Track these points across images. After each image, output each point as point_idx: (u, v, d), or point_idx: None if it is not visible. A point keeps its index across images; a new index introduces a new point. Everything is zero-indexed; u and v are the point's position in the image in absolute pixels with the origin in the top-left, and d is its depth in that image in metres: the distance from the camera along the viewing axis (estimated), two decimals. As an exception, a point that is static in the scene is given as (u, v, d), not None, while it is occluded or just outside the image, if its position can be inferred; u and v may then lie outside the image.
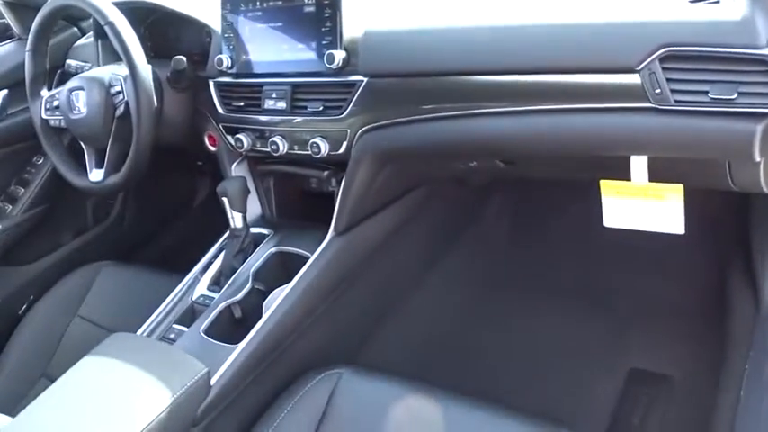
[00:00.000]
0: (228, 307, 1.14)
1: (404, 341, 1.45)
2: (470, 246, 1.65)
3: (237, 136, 1.23)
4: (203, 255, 1.30)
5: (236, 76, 1.22)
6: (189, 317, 1.18)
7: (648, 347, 1.40)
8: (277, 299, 1.11)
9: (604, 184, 0.97)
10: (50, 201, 1.61)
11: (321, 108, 1.11)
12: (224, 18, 1.19)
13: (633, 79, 0.82)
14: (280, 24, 1.13)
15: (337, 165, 1.20)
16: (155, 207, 1.88)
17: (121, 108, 1.22)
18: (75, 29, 1.59)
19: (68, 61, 1.49)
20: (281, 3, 1.12)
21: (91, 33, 1.53)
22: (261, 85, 1.18)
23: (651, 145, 0.87)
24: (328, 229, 1.20)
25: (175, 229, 1.95)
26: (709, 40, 0.77)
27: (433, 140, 1.03)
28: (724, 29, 0.77)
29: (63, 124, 1.30)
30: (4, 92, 1.47)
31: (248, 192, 1.24)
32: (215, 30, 1.25)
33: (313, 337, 1.18)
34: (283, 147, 1.17)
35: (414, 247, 1.49)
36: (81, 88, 1.24)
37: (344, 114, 1.09)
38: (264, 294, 1.15)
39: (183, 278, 1.26)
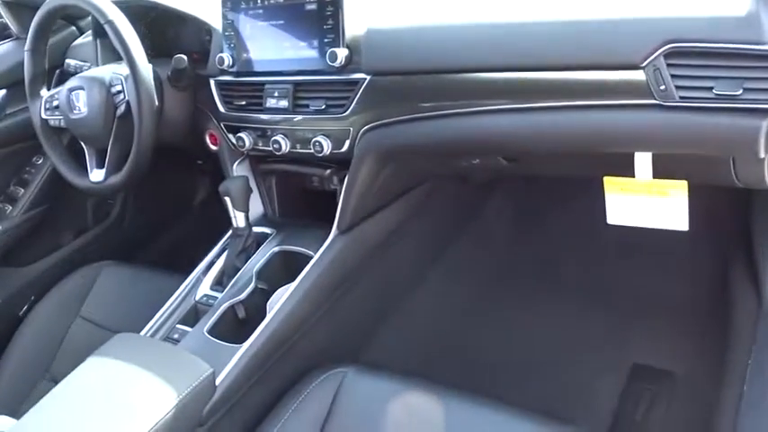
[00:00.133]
0: (232, 307, 1.14)
1: (406, 338, 1.45)
2: (472, 242, 1.65)
3: (239, 135, 1.22)
4: (205, 254, 1.30)
5: (238, 74, 1.21)
6: (192, 317, 1.17)
7: (651, 343, 1.40)
8: (281, 298, 1.10)
9: (608, 181, 0.97)
10: (50, 201, 1.61)
11: (323, 106, 1.11)
12: (224, 16, 1.19)
13: (637, 76, 0.81)
14: (281, 22, 1.13)
15: (339, 163, 1.20)
16: (155, 206, 1.87)
17: (122, 108, 1.21)
18: (74, 28, 1.58)
19: (67, 60, 1.48)
20: (282, 0, 1.11)
21: (89, 32, 1.52)
22: (262, 83, 1.18)
23: (655, 141, 0.87)
24: (330, 227, 1.20)
25: (176, 228, 1.95)
26: (714, 35, 0.77)
27: (437, 138, 1.02)
28: (729, 24, 0.76)
29: (63, 124, 1.30)
30: (3, 92, 1.47)
31: (250, 191, 1.24)
32: (215, 28, 1.25)
33: (317, 336, 1.18)
34: (285, 145, 1.17)
35: (416, 244, 1.48)
36: (81, 88, 1.23)
37: (347, 112, 1.08)
38: (268, 294, 1.15)
39: (184, 278, 1.25)
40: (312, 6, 1.08)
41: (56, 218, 1.64)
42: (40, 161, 1.58)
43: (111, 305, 1.42)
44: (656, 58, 0.79)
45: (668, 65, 0.79)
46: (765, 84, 0.75)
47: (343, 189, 1.16)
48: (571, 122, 0.90)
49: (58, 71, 1.52)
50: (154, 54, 1.29)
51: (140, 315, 1.21)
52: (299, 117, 1.15)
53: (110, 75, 1.24)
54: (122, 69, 1.23)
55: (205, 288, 1.21)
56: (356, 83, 1.06)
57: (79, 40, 1.55)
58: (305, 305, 1.12)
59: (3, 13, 1.52)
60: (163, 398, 0.89)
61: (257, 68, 1.18)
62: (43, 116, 1.32)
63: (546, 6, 0.93)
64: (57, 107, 1.29)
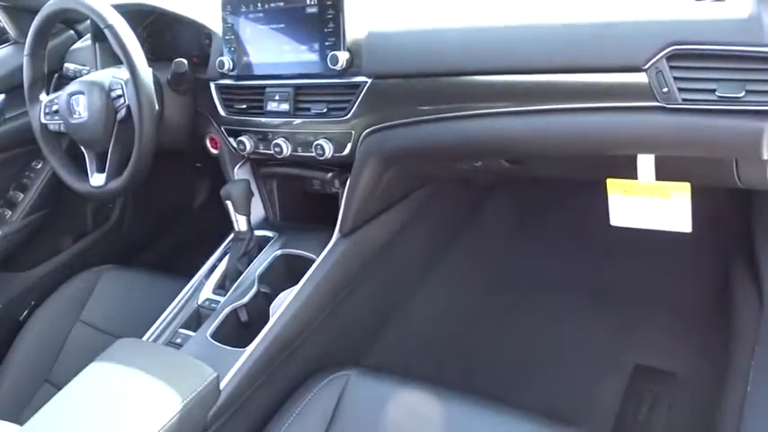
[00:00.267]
0: (235, 311, 1.14)
1: (409, 340, 1.45)
2: (474, 244, 1.65)
3: (240, 138, 1.22)
4: (205, 257, 1.29)
5: (238, 78, 1.21)
6: (195, 321, 1.17)
7: (653, 344, 1.40)
8: (284, 302, 1.10)
9: (611, 183, 0.97)
10: (50, 205, 1.60)
11: (325, 110, 1.11)
12: (224, 20, 1.19)
13: (640, 78, 0.82)
14: (281, 26, 1.13)
15: (341, 166, 1.20)
16: (154, 210, 1.87)
17: (122, 112, 1.21)
18: (72, 32, 1.58)
19: (66, 65, 1.48)
20: (282, 4, 1.11)
21: (88, 36, 1.52)
22: (263, 87, 1.18)
23: (658, 144, 0.87)
24: (332, 230, 1.20)
25: (175, 231, 1.95)
26: (716, 37, 0.77)
27: (439, 141, 1.02)
28: (731, 27, 0.77)
29: (63, 129, 1.29)
30: (2, 96, 1.46)
31: (252, 194, 1.24)
32: (215, 31, 1.25)
33: (320, 339, 1.18)
34: (287, 149, 1.17)
35: (417, 246, 1.49)
36: (81, 92, 1.23)
37: (349, 116, 1.08)
38: (270, 297, 1.15)
39: (185, 281, 1.25)
40: (313, 10, 1.08)
41: (55, 222, 1.64)
42: (40, 166, 1.58)
43: (111, 309, 1.42)
44: (658, 60, 0.80)
45: (671, 67, 0.79)
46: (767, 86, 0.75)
47: (346, 192, 1.16)
48: (573, 125, 0.90)
49: (56, 75, 1.51)
50: (153, 58, 1.28)
51: (141, 319, 1.21)
52: (301, 120, 1.15)
53: (109, 79, 1.23)
54: (122, 73, 1.23)
55: (207, 292, 1.21)
56: (357, 86, 1.06)
57: (78, 44, 1.54)
58: (308, 308, 1.12)
59: (1, 18, 1.51)
60: (167, 403, 0.89)
61: (258, 72, 1.18)
62: (43, 121, 1.31)
63: (548, 9, 0.93)
64: (56, 112, 1.28)
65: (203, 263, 1.28)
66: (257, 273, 1.19)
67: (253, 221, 1.26)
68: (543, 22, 0.90)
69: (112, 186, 1.24)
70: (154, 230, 1.90)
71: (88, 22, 1.51)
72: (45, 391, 1.31)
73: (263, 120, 1.19)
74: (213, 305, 1.16)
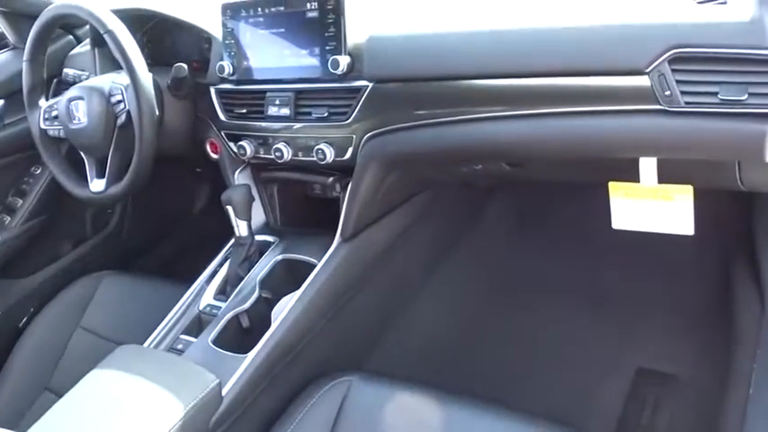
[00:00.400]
0: (236, 316, 1.13)
1: (410, 345, 1.44)
2: (475, 247, 1.65)
3: (240, 143, 1.22)
4: (205, 263, 1.29)
5: (238, 82, 1.21)
6: (196, 327, 1.17)
7: (654, 347, 1.40)
8: (285, 307, 1.10)
9: (613, 186, 0.97)
10: (49, 211, 1.60)
11: (326, 114, 1.10)
12: (224, 25, 1.18)
13: (642, 81, 0.81)
14: (282, 30, 1.13)
15: (342, 170, 1.19)
16: (154, 215, 1.86)
17: (123, 117, 1.20)
18: (71, 37, 1.57)
19: (65, 70, 1.47)
20: (282, 8, 1.11)
21: (86, 41, 1.52)
22: (263, 91, 1.17)
23: (661, 147, 0.87)
24: (333, 234, 1.20)
25: (175, 236, 1.94)
26: (718, 40, 0.77)
27: (440, 145, 1.02)
28: (733, 29, 0.77)
29: (62, 134, 1.29)
30: (1, 102, 1.46)
31: (253, 199, 1.24)
32: (215, 36, 1.25)
33: (321, 345, 1.17)
34: (288, 153, 1.17)
35: (418, 250, 1.48)
36: (81, 98, 1.22)
37: (350, 120, 1.08)
38: (272, 303, 1.15)
39: (185, 287, 1.25)
40: (313, 14, 1.08)
41: (54, 228, 1.63)
42: (39, 171, 1.57)
43: (111, 315, 1.41)
44: (660, 63, 0.80)
45: (673, 70, 0.79)
46: (770, 88, 0.75)
47: (347, 197, 1.16)
48: (575, 128, 0.90)
49: (55, 80, 1.51)
50: (153, 63, 1.28)
51: (142, 325, 1.21)
52: (301, 125, 1.14)
53: (109, 84, 1.23)
54: (122, 79, 1.22)
55: (208, 298, 1.20)
56: (358, 90, 1.06)
57: (77, 50, 1.54)
58: (309, 314, 1.11)
59: (0, 23, 1.51)
60: (170, 410, 0.88)
61: (258, 76, 1.18)
62: (42, 126, 1.31)
63: (549, 12, 0.93)
64: (56, 117, 1.28)
65: (203, 268, 1.28)
66: (258, 278, 1.18)
67: (253, 226, 1.25)
68: (544, 26, 0.90)
69: (112, 192, 1.24)
70: (153, 236, 1.89)
71: (87, 27, 1.51)
72: (45, 398, 1.30)
73: (263, 124, 1.19)
74: (214, 311, 1.16)
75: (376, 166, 1.10)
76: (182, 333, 1.16)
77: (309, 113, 1.13)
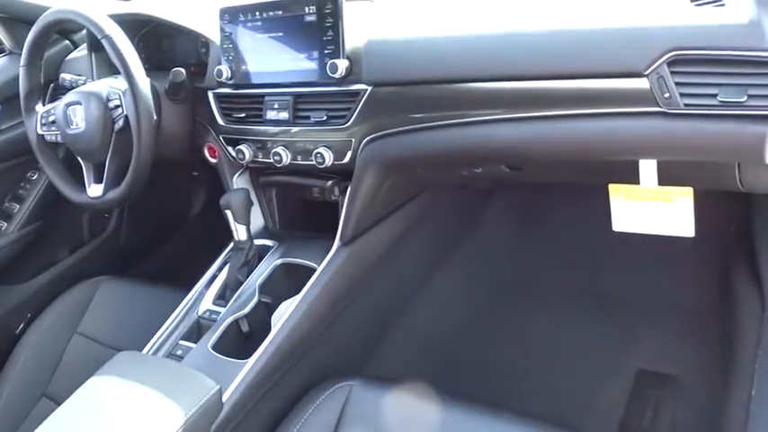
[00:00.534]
0: (236, 321, 1.13)
1: (411, 348, 1.44)
2: (474, 249, 1.65)
3: (239, 147, 1.22)
4: (204, 267, 1.28)
5: (236, 86, 1.21)
6: (195, 333, 1.16)
7: (655, 348, 1.40)
8: (285, 312, 1.09)
9: (613, 188, 0.97)
10: (46, 216, 1.59)
11: (325, 117, 1.10)
12: (222, 29, 1.18)
13: (641, 84, 0.82)
14: (280, 34, 1.12)
15: (341, 174, 1.19)
16: (151, 219, 1.86)
17: (120, 122, 1.20)
18: (68, 42, 1.57)
19: (62, 75, 1.47)
20: (281, 13, 1.11)
21: (83, 46, 1.51)
22: (262, 95, 1.17)
23: (661, 149, 0.87)
24: (332, 238, 1.19)
25: (173, 241, 1.93)
26: (717, 42, 0.77)
27: (440, 148, 1.02)
28: (731, 32, 0.77)
29: (59, 139, 1.28)
30: (-3, 107, 1.46)
31: (251, 203, 1.23)
32: (212, 40, 1.24)
33: (322, 349, 1.17)
34: (286, 157, 1.16)
35: (418, 253, 1.48)
36: (78, 103, 1.22)
37: (349, 123, 1.08)
38: (271, 307, 1.14)
39: (184, 292, 1.24)
40: (311, 18, 1.07)
41: (51, 233, 1.62)
42: (35, 176, 1.57)
43: (109, 321, 1.40)
44: (659, 65, 0.80)
45: (672, 72, 0.79)
46: (769, 90, 0.75)
47: (346, 200, 1.16)
48: (575, 131, 0.90)
49: (51, 85, 1.51)
50: (150, 68, 1.28)
51: (140, 330, 1.20)
52: (300, 129, 1.14)
53: (107, 89, 1.22)
54: (119, 83, 1.22)
55: (207, 303, 1.20)
56: (357, 94, 1.06)
57: (74, 54, 1.54)
58: (310, 318, 1.11)
59: (-4, 29, 1.51)
60: (170, 417, 0.88)
61: (256, 80, 1.18)
62: (39, 131, 1.30)
63: (548, 15, 0.93)
64: (53, 122, 1.28)
65: (202, 272, 1.27)
66: (258, 282, 1.18)
67: (252, 230, 1.25)
68: (543, 29, 0.90)
69: (110, 197, 1.23)
70: (151, 240, 1.89)
71: (84, 32, 1.50)
72: (43, 405, 1.30)
73: (262, 128, 1.18)
74: (214, 316, 1.15)
75: (375, 169, 1.10)
76: (181, 339, 1.15)
77: (308, 117, 1.12)
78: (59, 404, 0.94)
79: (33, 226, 1.57)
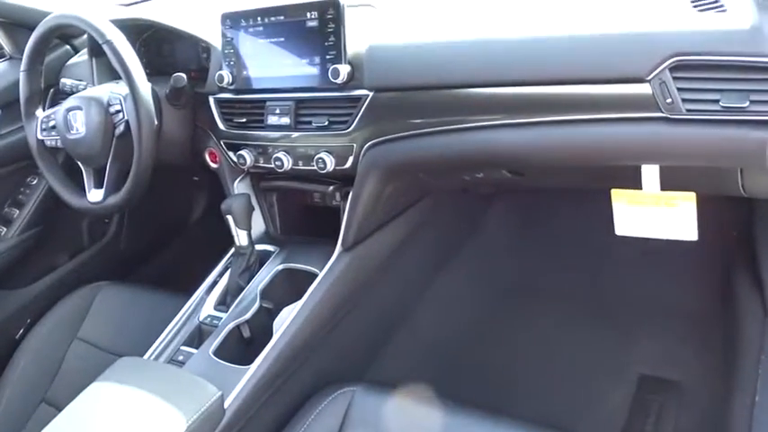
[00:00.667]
0: (237, 327, 1.13)
1: (412, 353, 1.44)
2: (475, 254, 1.65)
3: (240, 152, 1.22)
4: (205, 272, 1.28)
5: (238, 92, 1.21)
6: (197, 338, 1.16)
7: (656, 352, 1.40)
8: (287, 317, 1.09)
9: (615, 193, 0.97)
10: (45, 222, 1.59)
11: (326, 123, 1.10)
12: (224, 35, 1.18)
13: (644, 89, 0.82)
14: (281, 40, 1.12)
15: (342, 179, 1.19)
16: (151, 224, 1.85)
17: (121, 127, 1.20)
18: (68, 47, 1.57)
19: (63, 80, 1.46)
20: (282, 18, 1.11)
21: (83, 51, 1.51)
22: (263, 100, 1.17)
23: (663, 154, 0.87)
24: (334, 243, 1.19)
25: (173, 246, 1.93)
26: (719, 48, 0.77)
27: (441, 153, 1.02)
28: (733, 37, 0.77)
29: (59, 144, 1.28)
30: (-2, 112, 1.45)
31: (252, 209, 1.23)
32: (213, 45, 1.24)
33: (324, 355, 1.17)
34: (288, 162, 1.16)
35: (420, 257, 1.48)
36: (79, 108, 1.22)
37: (350, 129, 1.08)
38: (273, 313, 1.14)
39: (184, 297, 1.24)
40: (313, 23, 1.07)
41: (51, 239, 1.62)
42: (35, 181, 1.57)
43: (109, 326, 1.40)
44: (661, 71, 0.80)
45: (674, 78, 0.80)
46: (772, 96, 0.76)
47: (348, 205, 1.15)
48: (577, 136, 0.90)
49: (52, 90, 1.50)
50: (150, 72, 1.28)
51: (140, 335, 1.20)
52: (302, 134, 1.14)
53: (108, 94, 1.22)
54: (120, 89, 1.22)
55: (209, 308, 1.19)
56: (359, 99, 1.06)
57: (74, 59, 1.53)
58: (311, 324, 1.11)
59: (-4, 34, 1.51)
60: (172, 423, 0.87)
61: (258, 86, 1.18)
62: (39, 136, 1.30)
63: (550, 21, 0.93)
64: (53, 127, 1.27)
65: (203, 278, 1.27)
66: (259, 288, 1.18)
67: (253, 236, 1.25)
68: (545, 35, 0.90)
69: (111, 202, 1.23)
70: (151, 245, 1.88)
71: (85, 37, 1.50)
72: (42, 411, 1.29)
73: (263, 133, 1.18)
74: (215, 322, 1.15)
75: (377, 174, 1.10)
76: (182, 344, 1.15)
77: (310, 122, 1.12)
78: (59, 410, 0.93)
79: (33, 231, 1.57)
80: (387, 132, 1.05)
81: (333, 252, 1.18)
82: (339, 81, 1.05)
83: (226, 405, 0.97)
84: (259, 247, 1.27)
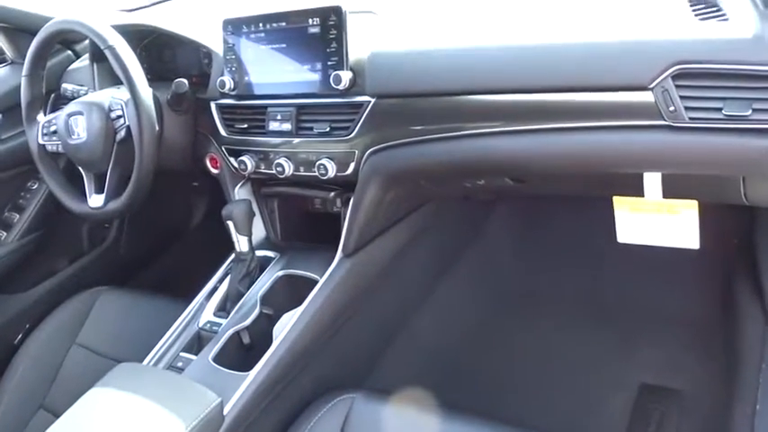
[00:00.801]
0: (237, 333, 1.12)
1: (413, 360, 1.43)
2: (476, 260, 1.65)
3: (241, 158, 1.22)
4: (205, 278, 1.28)
5: (239, 97, 1.21)
6: (196, 344, 1.15)
7: (657, 359, 1.40)
8: (287, 324, 1.09)
9: (617, 201, 0.97)
10: (46, 226, 1.59)
11: (328, 129, 1.10)
12: (225, 40, 1.18)
13: (646, 97, 0.82)
14: (283, 46, 1.12)
15: (343, 185, 1.19)
16: (151, 230, 1.85)
17: (122, 132, 1.20)
18: (70, 52, 1.57)
19: (64, 85, 1.47)
20: (284, 24, 1.11)
21: (85, 56, 1.51)
22: (265, 106, 1.17)
23: (665, 162, 0.87)
24: (334, 250, 1.19)
25: (173, 251, 1.93)
26: (722, 56, 0.77)
27: (443, 160, 1.02)
28: (736, 46, 0.77)
29: (60, 149, 1.28)
30: (-1, 117, 1.45)
31: (253, 215, 1.23)
32: (215, 51, 1.24)
33: (324, 361, 1.16)
34: (289, 168, 1.16)
35: (421, 264, 1.48)
36: (80, 113, 1.22)
37: (352, 135, 1.08)
38: (273, 319, 1.14)
39: (184, 303, 1.23)
40: (315, 30, 1.07)
41: (51, 243, 1.62)
42: (36, 186, 1.57)
43: (108, 332, 1.39)
44: (664, 79, 0.80)
45: (677, 86, 0.80)
46: (775, 104, 0.76)
47: (349, 212, 1.15)
48: (579, 144, 0.90)
49: (53, 95, 1.50)
50: (152, 78, 1.28)
51: (139, 341, 1.19)
52: (303, 140, 1.14)
53: (109, 99, 1.22)
54: (121, 94, 1.22)
55: (208, 314, 1.19)
56: (360, 105, 1.06)
57: (75, 65, 1.54)
58: (312, 330, 1.10)
59: (-2, 39, 1.51)
60: (171, 429, 0.87)
61: (259, 91, 1.18)
62: (40, 141, 1.30)
63: (552, 28, 0.93)
64: (54, 132, 1.27)
65: (202, 284, 1.27)
66: (259, 294, 1.17)
67: (254, 242, 1.24)
68: (547, 42, 0.90)
69: (111, 207, 1.23)
70: (151, 251, 1.88)
71: (86, 42, 1.51)
72: (40, 417, 1.28)
73: (264, 139, 1.18)
74: (215, 328, 1.15)
75: (378, 181, 1.10)
76: (181, 350, 1.14)
77: (311, 128, 1.12)
78: (57, 416, 0.93)
79: (33, 236, 1.56)
80: (388, 139, 1.05)
81: (333, 258, 1.18)
82: (341, 87, 1.06)
83: (225, 411, 0.96)
84: (259, 252, 1.27)
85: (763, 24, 0.76)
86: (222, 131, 1.24)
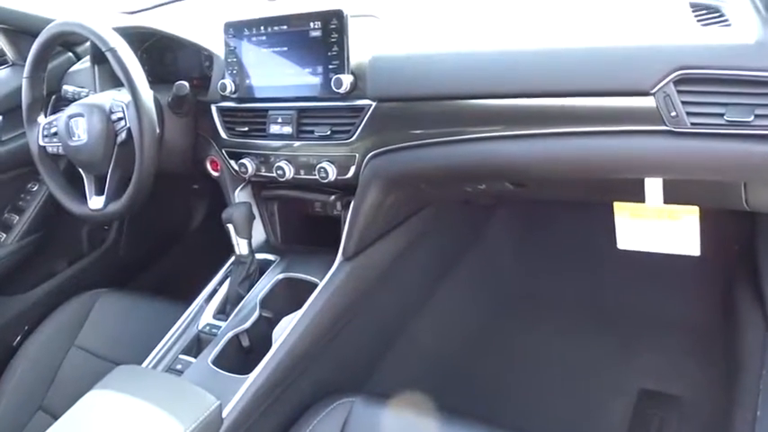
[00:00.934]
0: (236, 336, 1.12)
1: (412, 364, 1.43)
2: (476, 264, 1.65)
3: (241, 161, 1.21)
4: (204, 281, 1.27)
5: (240, 100, 1.21)
6: (195, 347, 1.15)
7: (657, 365, 1.39)
8: (287, 327, 1.09)
9: (618, 206, 0.97)
10: (45, 228, 1.58)
11: (328, 132, 1.10)
12: (227, 43, 1.18)
13: (648, 102, 0.82)
14: (285, 49, 1.12)
15: (343, 189, 1.19)
16: (151, 232, 1.85)
17: (123, 135, 1.19)
18: (71, 54, 1.57)
19: (65, 87, 1.47)
20: (285, 28, 1.11)
21: (86, 58, 1.51)
22: (266, 109, 1.17)
23: (667, 168, 0.87)
24: (335, 253, 1.19)
25: (172, 254, 1.92)
26: (724, 62, 0.77)
27: (444, 164, 1.02)
28: (738, 51, 0.77)
29: (61, 151, 1.27)
30: (-1, 118, 1.45)
31: (253, 217, 1.23)
32: (216, 54, 1.25)
33: (323, 365, 1.16)
34: (289, 171, 1.16)
35: (421, 268, 1.47)
36: (81, 115, 1.21)
37: (353, 138, 1.08)
38: (272, 322, 1.13)
39: (183, 305, 1.23)
40: (317, 33, 1.07)
41: (51, 245, 1.61)
42: (36, 188, 1.57)
43: (107, 334, 1.39)
44: (666, 84, 0.80)
45: (679, 91, 0.80)
46: (776, 110, 0.75)
47: (349, 215, 1.15)
48: (580, 149, 0.90)
49: (53, 97, 1.50)
50: (153, 80, 1.28)
51: (138, 344, 1.19)
52: (304, 143, 1.14)
53: (110, 101, 1.22)
54: (122, 96, 1.22)
55: (208, 317, 1.19)
56: (361, 109, 1.06)
57: (76, 66, 1.54)
58: (311, 334, 1.10)
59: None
60: (169, 433, 0.86)
61: (260, 95, 1.18)
62: (41, 143, 1.29)
63: (554, 33, 0.93)
64: (55, 134, 1.27)
65: (202, 286, 1.26)
66: (259, 297, 1.17)
67: (254, 244, 1.24)
68: (549, 47, 0.90)
69: (111, 209, 1.23)
70: (150, 253, 1.88)
71: (87, 44, 1.51)
72: (39, 418, 1.28)
73: (265, 142, 1.18)
74: (214, 330, 1.14)
75: (379, 184, 1.10)
76: (181, 353, 1.14)
77: (312, 132, 1.12)
78: (56, 418, 0.93)
79: (33, 237, 1.56)
80: (389, 142, 1.05)
81: (333, 262, 1.17)
82: (342, 91, 1.05)
83: (224, 414, 0.96)
84: (259, 255, 1.26)
85: (766, 30, 0.76)
86: (223, 134, 1.24)
